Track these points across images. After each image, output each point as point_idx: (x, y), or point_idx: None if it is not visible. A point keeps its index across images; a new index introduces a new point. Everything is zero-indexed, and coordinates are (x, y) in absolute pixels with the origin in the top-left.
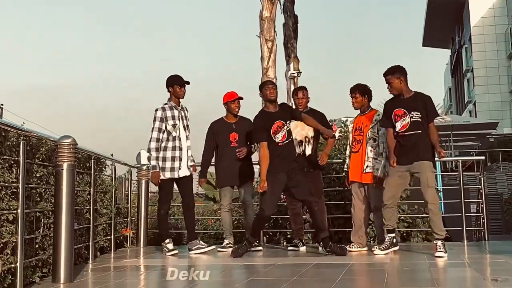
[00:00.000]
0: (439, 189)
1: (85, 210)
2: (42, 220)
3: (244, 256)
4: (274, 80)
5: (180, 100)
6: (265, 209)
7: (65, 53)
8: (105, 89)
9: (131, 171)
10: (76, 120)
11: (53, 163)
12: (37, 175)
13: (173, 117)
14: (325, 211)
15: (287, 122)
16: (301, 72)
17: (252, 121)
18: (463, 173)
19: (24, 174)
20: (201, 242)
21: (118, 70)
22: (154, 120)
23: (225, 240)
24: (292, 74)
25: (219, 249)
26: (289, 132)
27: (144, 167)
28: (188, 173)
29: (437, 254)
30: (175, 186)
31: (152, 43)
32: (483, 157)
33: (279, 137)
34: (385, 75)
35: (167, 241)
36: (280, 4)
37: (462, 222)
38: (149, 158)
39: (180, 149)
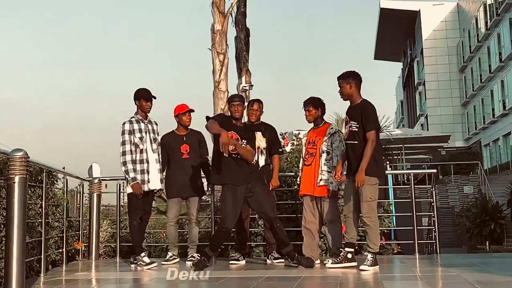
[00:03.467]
0: (390, 202)
1: (37, 223)
2: None
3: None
4: (225, 94)
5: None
6: (227, 223)
7: (10, 64)
8: (56, 101)
9: (83, 184)
10: (27, 133)
11: (4, 176)
12: None
13: (140, 130)
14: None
15: (242, 140)
16: (252, 85)
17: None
18: (415, 186)
19: None
20: (144, 258)
21: (67, 82)
22: (123, 133)
23: (168, 252)
24: (244, 88)
25: (163, 262)
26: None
27: (96, 180)
28: (156, 187)
29: (362, 267)
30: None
31: (100, 54)
32: (434, 170)
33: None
34: (338, 78)
35: (142, 254)
36: (232, 17)
37: (414, 235)
38: (126, 172)
39: (147, 161)
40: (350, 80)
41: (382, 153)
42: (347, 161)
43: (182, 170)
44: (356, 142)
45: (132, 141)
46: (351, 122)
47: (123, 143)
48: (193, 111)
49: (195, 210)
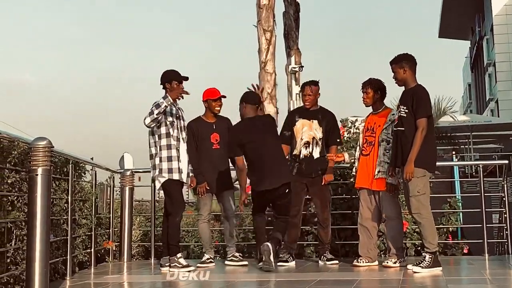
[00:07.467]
0: (457, 198)
1: (62, 220)
2: (14, 231)
3: (239, 272)
4: (272, 76)
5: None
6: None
7: (29, 43)
8: (82, 85)
9: (113, 177)
10: (50, 120)
11: (26, 168)
12: (9, 181)
13: (171, 114)
14: (329, 223)
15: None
16: (303, 66)
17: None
18: (484, 179)
19: None
20: (180, 259)
21: (95, 63)
22: (157, 106)
23: (205, 254)
24: (293, 69)
25: (199, 264)
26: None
27: (128, 173)
28: (186, 181)
29: (415, 268)
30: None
31: (132, 33)
32: (506, 161)
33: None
34: (390, 63)
35: (179, 255)
36: None
37: (483, 233)
38: (153, 118)
39: (177, 150)
40: (403, 64)
41: (434, 143)
42: (393, 150)
43: (212, 163)
44: (403, 129)
45: (162, 120)
46: (401, 107)
47: (151, 113)
48: (225, 97)
49: (231, 204)
